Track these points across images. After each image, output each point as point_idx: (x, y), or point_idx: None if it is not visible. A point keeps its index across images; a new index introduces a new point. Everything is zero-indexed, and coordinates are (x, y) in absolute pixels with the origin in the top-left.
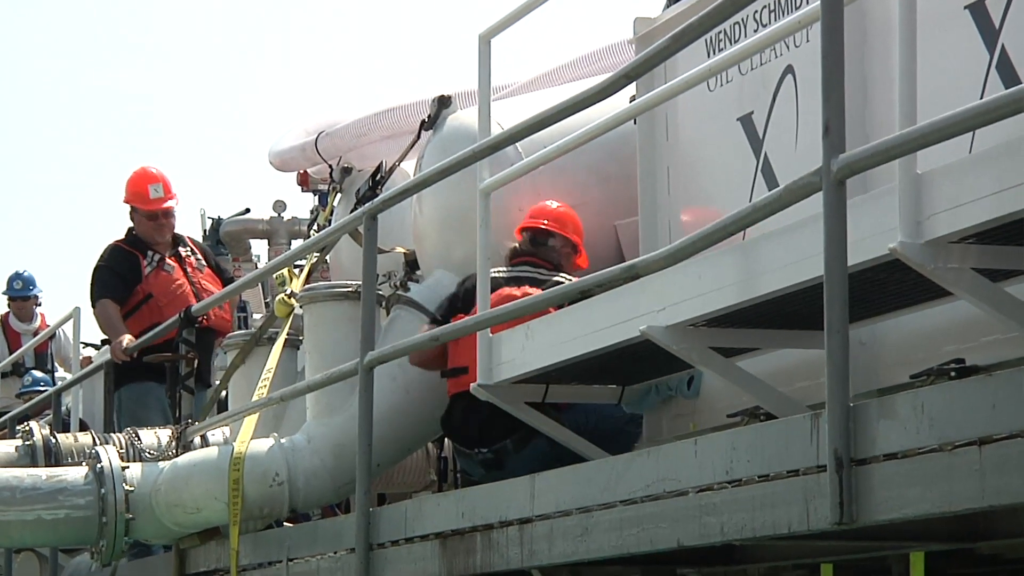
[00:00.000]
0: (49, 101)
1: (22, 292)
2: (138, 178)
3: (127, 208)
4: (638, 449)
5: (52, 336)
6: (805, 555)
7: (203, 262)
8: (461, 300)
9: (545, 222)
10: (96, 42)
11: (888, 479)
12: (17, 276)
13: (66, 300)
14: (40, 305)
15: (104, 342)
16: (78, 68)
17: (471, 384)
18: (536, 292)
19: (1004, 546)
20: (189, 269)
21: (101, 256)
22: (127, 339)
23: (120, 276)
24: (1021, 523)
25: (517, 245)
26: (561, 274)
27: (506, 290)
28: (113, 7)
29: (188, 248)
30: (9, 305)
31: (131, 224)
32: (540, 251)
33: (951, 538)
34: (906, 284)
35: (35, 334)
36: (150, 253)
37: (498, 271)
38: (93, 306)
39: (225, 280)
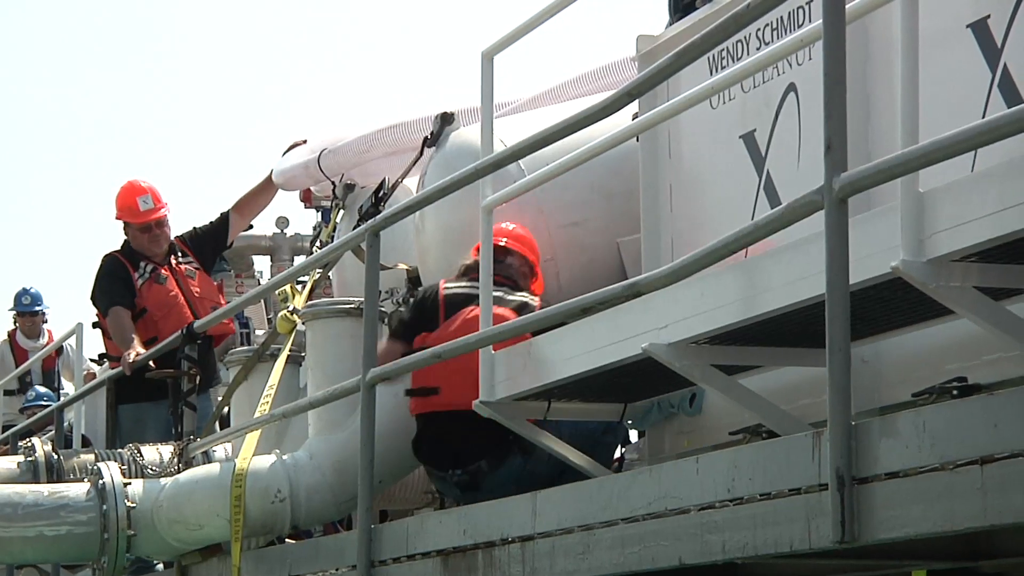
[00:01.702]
0: (49, 112)
1: (30, 307)
2: (126, 192)
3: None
4: (630, 463)
5: (59, 351)
6: (806, 573)
7: (194, 265)
8: (413, 312)
9: (504, 240)
10: (98, 57)
11: (890, 498)
12: (25, 292)
13: (69, 317)
14: (47, 322)
15: (102, 356)
16: (80, 83)
17: (473, 402)
18: (503, 311)
19: (1006, 565)
20: (182, 279)
21: (100, 266)
22: (134, 352)
23: (124, 282)
24: (1023, 542)
25: (471, 261)
26: (524, 294)
27: (470, 308)
28: (114, 21)
29: (180, 254)
30: (17, 321)
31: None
32: (497, 268)
33: (953, 557)
34: (908, 302)
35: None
36: (143, 265)
37: (456, 286)
38: (104, 316)
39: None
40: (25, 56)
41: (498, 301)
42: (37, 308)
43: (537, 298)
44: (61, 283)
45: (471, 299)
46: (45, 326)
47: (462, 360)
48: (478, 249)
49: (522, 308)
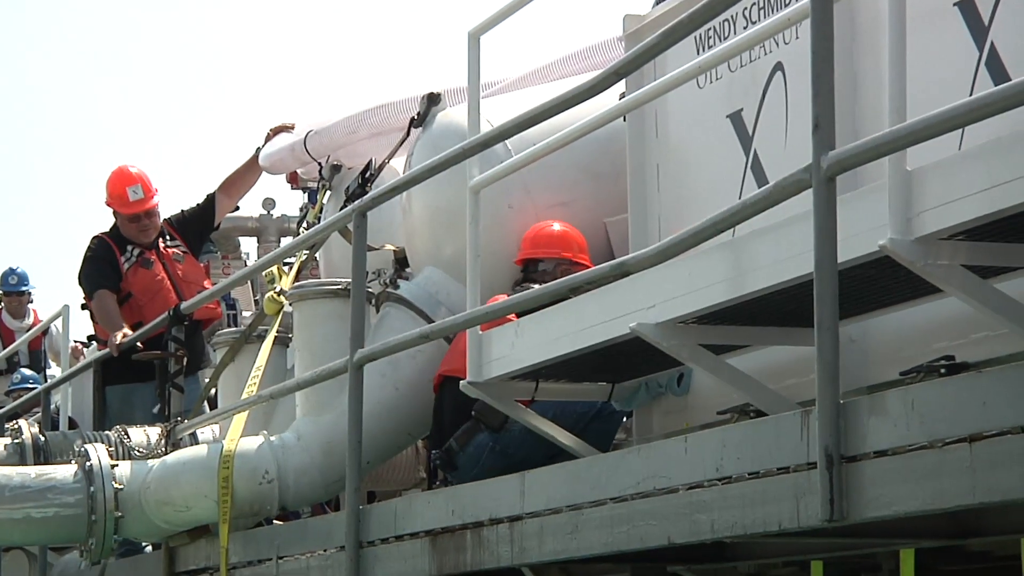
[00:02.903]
0: (39, 96)
1: (17, 287)
2: (116, 179)
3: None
4: (623, 444)
5: (45, 332)
6: (795, 552)
7: (182, 249)
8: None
9: (522, 253)
10: (83, 39)
11: (878, 476)
12: (11, 272)
13: (55, 298)
14: (32, 302)
15: (91, 338)
16: (69, 66)
17: (460, 382)
18: None
19: (994, 543)
20: (168, 263)
21: (88, 248)
22: (121, 334)
23: (111, 264)
24: (1011, 520)
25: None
26: None
27: None
28: (100, 8)
29: (167, 237)
30: (2, 300)
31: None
32: (535, 277)
33: (941, 535)
34: (896, 281)
35: (28, 331)
36: (130, 248)
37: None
38: (90, 298)
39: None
40: (16, 43)
41: None
42: (24, 288)
43: None
44: (49, 263)
45: None
46: (31, 306)
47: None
48: (518, 262)
49: None
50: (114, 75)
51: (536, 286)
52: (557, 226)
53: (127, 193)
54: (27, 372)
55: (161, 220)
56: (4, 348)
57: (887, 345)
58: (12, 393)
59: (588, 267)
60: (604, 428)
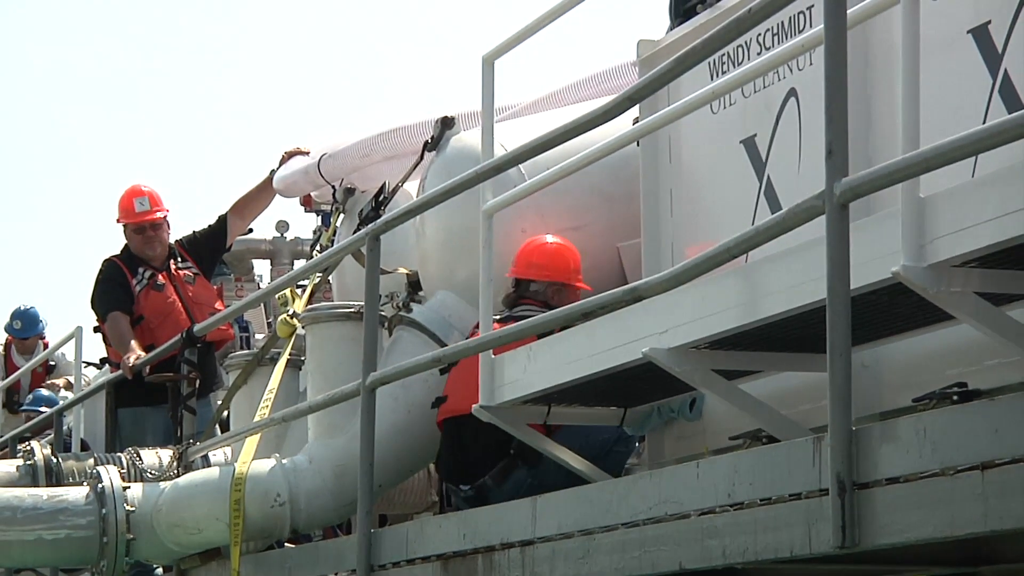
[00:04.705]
0: (52, 116)
1: (22, 333)
2: (127, 194)
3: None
4: (635, 469)
5: (49, 370)
6: None
7: (193, 270)
8: None
9: (513, 269)
10: (105, 58)
11: (890, 503)
12: (19, 315)
13: (70, 320)
14: (44, 338)
15: (103, 360)
16: (85, 86)
17: (472, 406)
18: None
19: (1006, 570)
20: (180, 285)
21: (100, 271)
22: (134, 356)
23: (123, 287)
24: (1023, 547)
25: (511, 291)
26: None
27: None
28: (119, 24)
29: (179, 259)
30: (12, 340)
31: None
32: (528, 294)
33: (953, 562)
34: (909, 308)
35: (36, 370)
36: (141, 270)
37: (499, 316)
38: (102, 321)
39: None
40: (27, 58)
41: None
42: (29, 335)
43: None
44: (63, 286)
45: (505, 321)
46: (42, 341)
47: (472, 367)
48: (512, 275)
49: None
50: (129, 94)
51: (530, 306)
52: (551, 242)
53: (134, 204)
54: (44, 393)
55: (171, 239)
56: (15, 388)
57: (899, 372)
58: (25, 414)
59: (581, 288)
60: (623, 451)
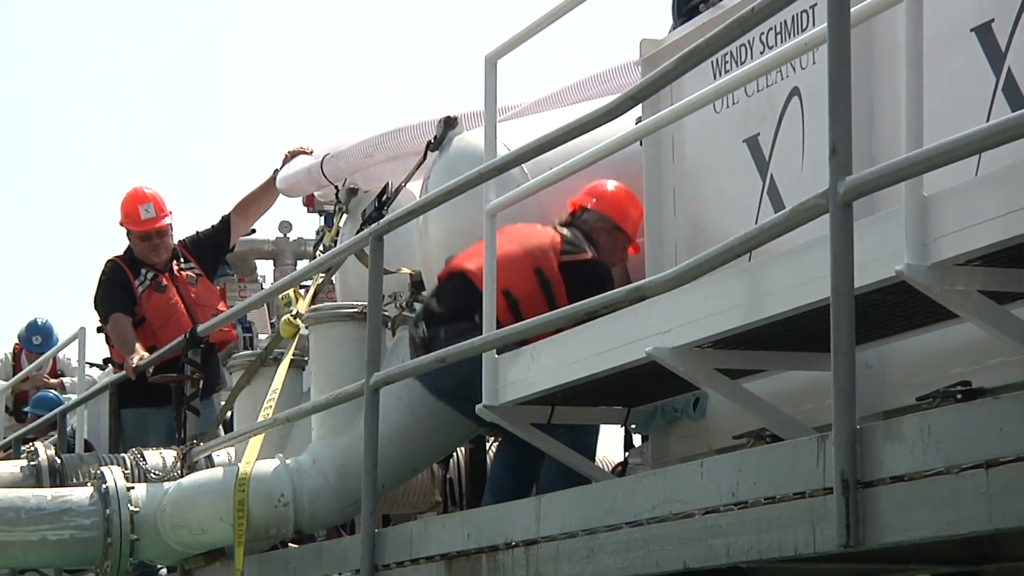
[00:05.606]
0: (52, 116)
1: (41, 348)
2: (130, 199)
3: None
4: (639, 469)
5: (62, 385)
6: None
7: (196, 271)
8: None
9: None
10: (101, 63)
11: (895, 502)
12: (36, 330)
13: (69, 320)
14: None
15: (107, 361)
16: (87, 86)
17: (476, 407)
18: (547, 231)
19: (1011, 569)
20: (182, 286)
21: (102, 272)
22: (137, 357)
23: (125, 288)
24: None
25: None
26: (589, 250)
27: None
28: (117, 23)
29: (181, 259)
30: (22, 348)
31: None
32: (575, 222)
33: (958, 561)
34: (913, 306)
35: (42, 380)
36: (143, 271)
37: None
38: (105, 322)
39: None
40: (27, 58)
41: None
42: (47, 350)
43: (592, 258)
44: (66, 286)
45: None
46: None
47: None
48: (573, 204)
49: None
50: (130, 94)
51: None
52: (616, 188)
53: (139, 211)
54: (50, 394)
55: (175, 241)
56: (18, 395)
57: (903, 370)
58: (29, 415)
59: (634, 244)
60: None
